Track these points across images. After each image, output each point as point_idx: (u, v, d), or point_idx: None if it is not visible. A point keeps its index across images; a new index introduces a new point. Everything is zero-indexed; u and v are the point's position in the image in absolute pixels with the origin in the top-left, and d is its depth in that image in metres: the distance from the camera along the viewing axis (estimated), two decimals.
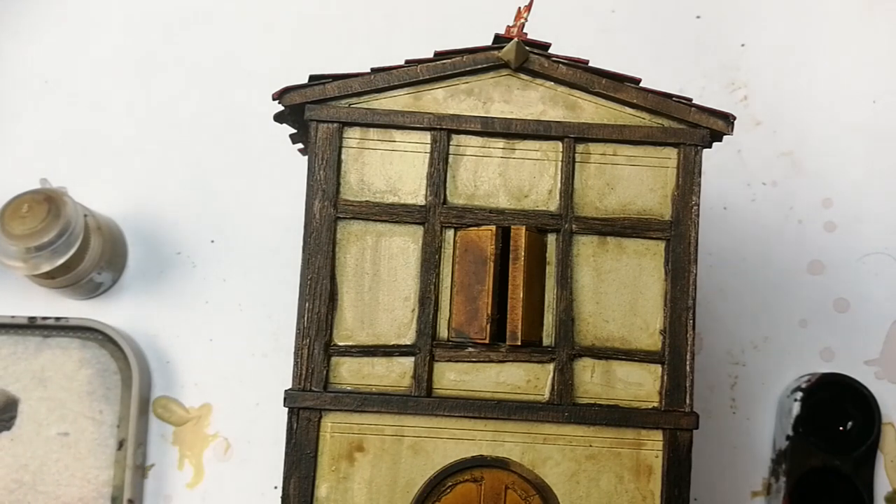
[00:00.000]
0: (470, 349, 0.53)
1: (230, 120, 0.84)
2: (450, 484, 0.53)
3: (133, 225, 0.82)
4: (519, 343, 0.52)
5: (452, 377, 0.53)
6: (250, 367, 0.80)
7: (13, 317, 0.77)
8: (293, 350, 0.53)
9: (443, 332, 0.54)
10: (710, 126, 0.54)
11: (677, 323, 0.54)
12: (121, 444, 0.76)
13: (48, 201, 0.72)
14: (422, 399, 0.52)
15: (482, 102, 0.54)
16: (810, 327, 0.81)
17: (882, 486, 0.77)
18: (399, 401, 0.53)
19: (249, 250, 0.82)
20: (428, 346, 0.53)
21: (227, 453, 0.78)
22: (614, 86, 0.54)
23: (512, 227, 0.53)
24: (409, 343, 0.53)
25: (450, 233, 0.54)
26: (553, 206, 0.54)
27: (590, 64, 0.54)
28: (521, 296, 0.52)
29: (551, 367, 0.53)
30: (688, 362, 0.53)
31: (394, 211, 0.54)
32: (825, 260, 0.82)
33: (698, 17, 0.87)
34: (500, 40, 0.54)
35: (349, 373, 0.53)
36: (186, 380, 0.79)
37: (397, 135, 0.54)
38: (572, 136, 0.54)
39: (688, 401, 0.53)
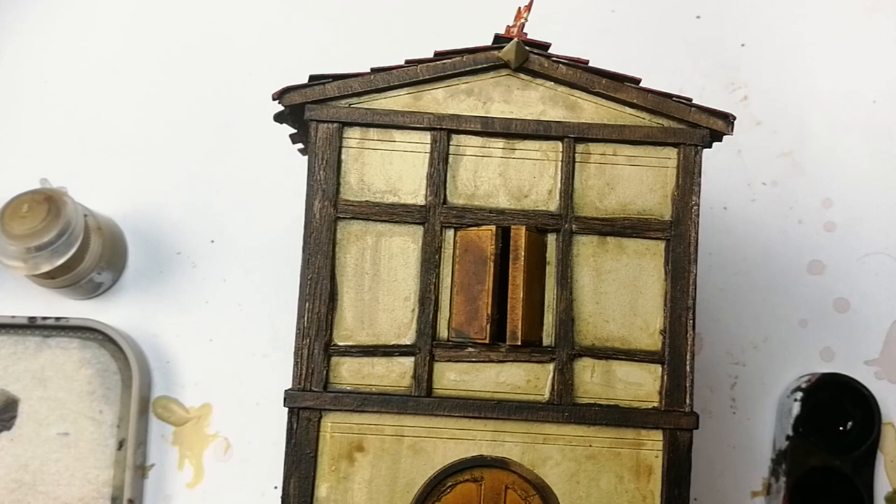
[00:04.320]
0: (470, 349, 0.53)
1: (230, 120, 0.84)
2: (450, 484, 0.53)
3: (133, 225, 0.82)
4: (519, 343, 0.52)
5: (452, 377, 0.53)
6: (250, 367, 0.80)
7: (13, 317, 0.77)
8: (293, 350, 0.53)
9: (443, 332, 0.54)
10: (710, 126, 0.54)
11: (677, 323, 0.54)
12: (121, 444, 0.76)
13: (48, 201, 0.72)
14: (422, 399, 0.52)
15: (482, 102, 0.54)
16: (810, 327, 0.81)
17: (882, 486, 0.77)
18: (399, 401, 0.53)
19: (249, 250, 0.82)
20: (428, 346, 0.53)
21: (227, 453, 0.78)
22: (614, 86, 0.54)
23: (512, 227, 0.53)
24: (409, 343, 0.53)
25: (450, 233, 0.54)
26: (553, 206, 0.54)
27: (590, 64, 0.54)
28: (521, 296, 0.52)
29: (551, 367, 0.53)
30: (688, 362, 0.53)
31: (394, 211, 0.54)
32: (825, 260, 0.82)
33: (698, 17, 0.87)
34: (500, 40, 0.54)
35: (349, 373, 0.53)
36: (186, 380, 0.79)
37: (397, 135, 0.54)
38: (572, 136, 0.54)
39: (688, 401, 0.53)
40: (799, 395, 0.76)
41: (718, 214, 0.83)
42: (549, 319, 0.54)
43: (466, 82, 0.54)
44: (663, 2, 0.88)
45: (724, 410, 0.80)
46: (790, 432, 0.76)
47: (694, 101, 0.54)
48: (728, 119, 0.54)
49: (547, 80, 0.54)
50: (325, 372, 0.53)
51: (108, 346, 0.77)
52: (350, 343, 0.53)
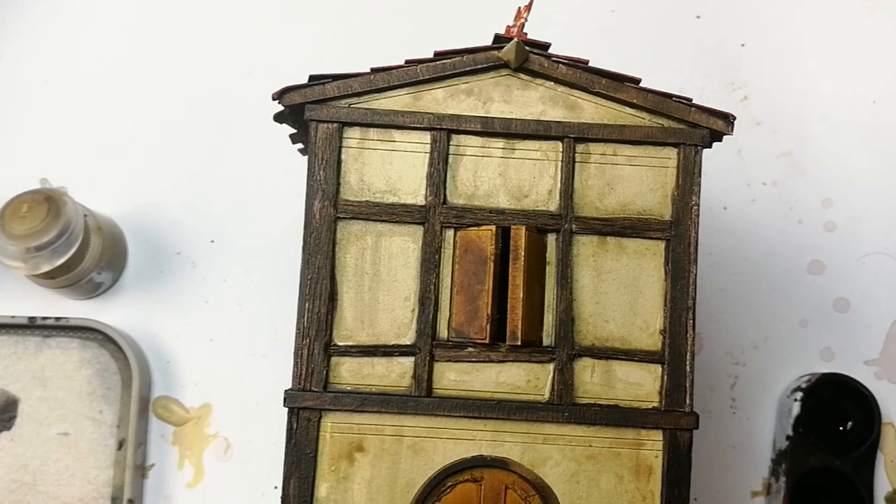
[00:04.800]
0: (470, 349, 0.53)
1: (230, 120, 0.84)
2: (450, 484, 0.53)
3: (133, 225, 0.82)
4: (519, 343, 0.52)
5: (452, 377, 0.53)
6: (250, 367, 0.80)
7: (13, 317, 0.77)
8: (293, 350, 0.53)
9: (443, 332, 0.54)
10: (710, 126, 0.54)
11: (677, 323, 0.54)
12: (121, 444, 0.76)
13: (48, 201, 0.72)
14: (422, 399, 0.52)
15: (482, 102, 0.54)
16: (810, 327, 0.81)
17: (882, 486, 0.77)
18: (399, 401, 0.53)
19: (249, 250, 0.82)
20: (428, 346, 0.53)
21: (227, 453, 0.78)
22: (614, 86, 0.54)
23: (512, 227, 0.53)
24: (409, 343, 0.53)
25: (450, 233, 0.54)
26: (553, 206, 0.54)
27: (590, 64, 0.54)
28: (521, 296, 0.52)
29: (551, 367, 0.53)
30: (688, 362, 0.53)
31: (394, 211, 0.54)
32: (825, 260, 0.82)
33: (698, 17, 0.87)
34: (500, 40, 0.54)
35: (349, 373, 0.53)
36: (186, 380, 0.79)
37: (397, 135, 0.54)
38: (572, 136, 0.54)
39: (688, 401, 0.53)
40: (799, 395, 0.76)
41: (718, 214, 0.83)
42: (549, 319, 0.54)
43: (466, 82, 0.54)
44: (663, 2, 0.88)
45: (724, 410, 0.80)
46: (790, 432, 0.76)
47: (694, 101, 0.54)
48: (728, 119, 0.54)
49: (547, 80, 0.54)
50: (325, 372, 0.53)
51: (108, 346, 0.77)
52: (350, 343, 0.53)
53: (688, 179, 0.54)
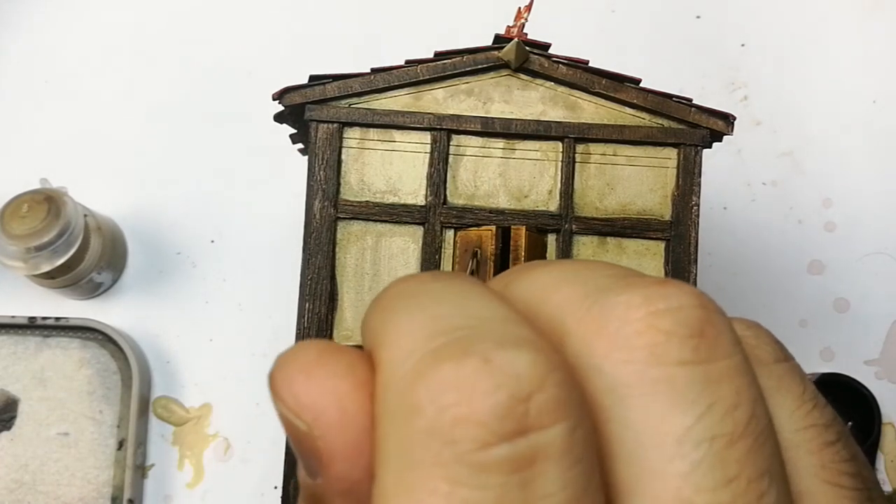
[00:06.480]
0: None
1: (230, 120, 0.84)
2: None
3: (133, 225, 0.82)
4: None
5: None
6: (250, 367, 0.79)
7: (13, 317, 0.77)
8: None
9: None
10: (710, 126, 0.54)
11: None
12: (121, 444, 0.76)
13: (48, 201, 0.72)
14: None
15: (482, 102, 0.54)
16: (810, 327, 0.81)
17: (882, 487, 0.77)
18: None
19: (249, 250, 0.82)
20: None
21: (227, 453, 0.78)
22: (614, 86, 0.54)
23: (512, 227, 0.53)
24: None
25: (450, 233, 0.54)
26: (553, 206, 0.54)
27: (590, 64, 0.54)
28: None
29: None
30: None
31: (394, 211, 0.54)
32: (825, 260, 0.82)
33: (698, 17, 0.87)
34: (500, 40, 0.54)
35: None
36: (186, 380, 0.79)
37: (397, 135, 0.54)
38: (572, 137, 0.54)
39: None
40: None
41: (718, 214, 0.83)
42: None
43: (467, 82, 0.54)
44: (663, 2, 0.88)
45: None
46: None
47: (694, 101, 0.54)
48: (728, 119, 0.54)
49: (547, 80, 0.54)
50: None
51: (108, 346, 0.77)
52: (350, 343, 0.53)
53: (688, 179, 0.54)
